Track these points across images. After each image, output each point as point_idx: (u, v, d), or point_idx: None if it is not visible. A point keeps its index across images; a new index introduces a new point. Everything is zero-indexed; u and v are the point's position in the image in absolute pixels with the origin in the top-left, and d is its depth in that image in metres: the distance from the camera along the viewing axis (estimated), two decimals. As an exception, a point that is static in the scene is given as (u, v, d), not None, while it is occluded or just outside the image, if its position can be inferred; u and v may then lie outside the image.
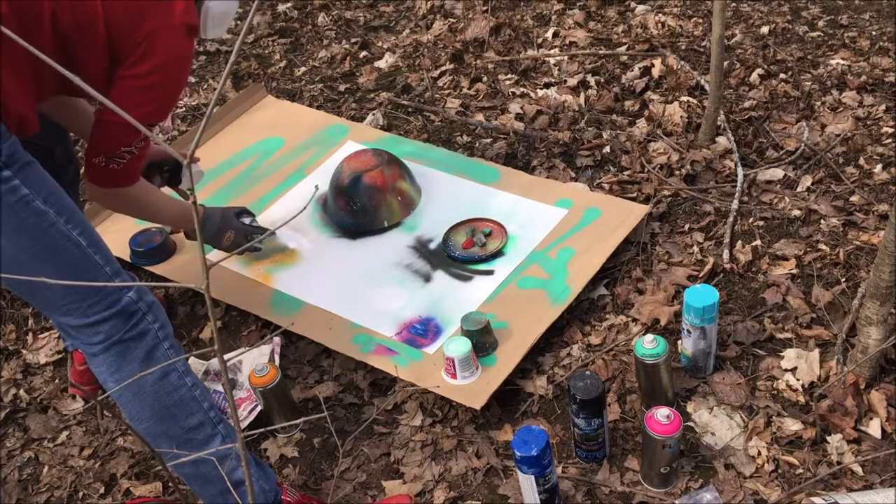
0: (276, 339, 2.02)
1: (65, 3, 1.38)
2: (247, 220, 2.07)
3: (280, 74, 3.20)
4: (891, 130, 2.39)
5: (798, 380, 1.75)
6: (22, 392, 2.07)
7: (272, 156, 2.54)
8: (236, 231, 2.02)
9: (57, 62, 0.63)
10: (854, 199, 2.18)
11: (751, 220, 2.17)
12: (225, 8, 1.65)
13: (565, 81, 2.82)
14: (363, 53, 3.25)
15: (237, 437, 0.78)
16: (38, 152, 1.35)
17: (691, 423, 1.72)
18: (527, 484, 1.53)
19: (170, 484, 1.80)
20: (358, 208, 2.22)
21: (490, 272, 2.07)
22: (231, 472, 1.49)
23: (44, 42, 1.37)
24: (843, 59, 2.73)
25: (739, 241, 2.11)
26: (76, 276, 1.34)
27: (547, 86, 2.83)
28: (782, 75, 2.70)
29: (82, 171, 2.74)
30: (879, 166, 2.26)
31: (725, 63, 2.65)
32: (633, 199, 2.24)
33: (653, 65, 2.80)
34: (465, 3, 3.40)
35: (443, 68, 3.01)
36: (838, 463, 1.60)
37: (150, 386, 1.42)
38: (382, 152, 2.30)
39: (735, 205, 2.19)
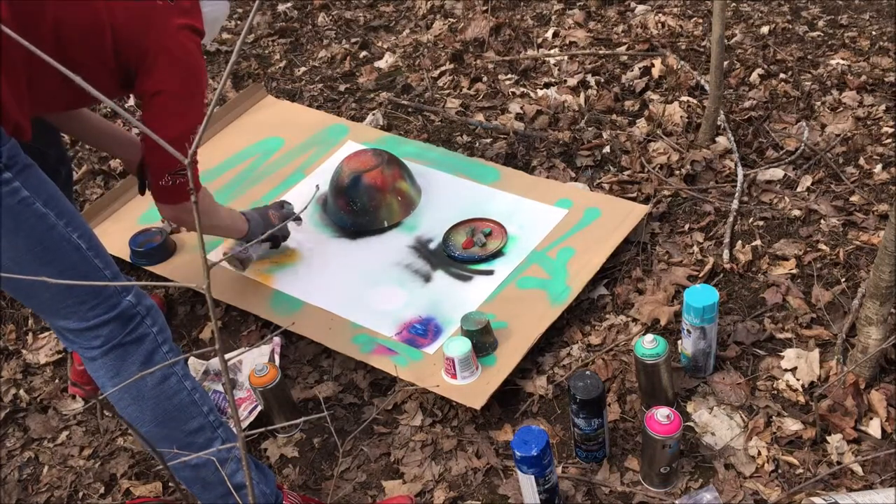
0: (276, 339, 2.02)
1: (68, 7, 1.37)
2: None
3: (280, 74, 3.20)
4: (891, 130, 2.39)
5: (798, 380, 1.75)
6: (22, 392, 2.07)
7: (272, 156, 2.54)
8: (273, 208, 2.08)
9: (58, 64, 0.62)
10: (854, 199, 2.18)
11: (751, 220, 2.17)
12: (216, 13, 1.66)
13: (565, 81, 2.82)
14: (363, 53, 3.25)
15: (238, 438, 0.78)
16: (31, 155, 1.34)
17: (691, 423, 1.72)
18: (527, 484, 1.53)
19: (170, 484, 1.80)
20: (358, 208, 2.22)
21: (490, 272, 2.07)
22: (231, 475, 1.48)
23: (44, 48, 1.35)
24: (843, 59, 2.73)
25: (739, 241, 2.11)
26: (76, 279, 1.33)
27: (547, 86, 2.83)
28: (782, 75, 2.70)
29: (82, 171, 2.76)
30: (879, 166, 2.26)
31: (725, 63, 2.65)
32: (633, 199, 2.24)
33: (653, 65, 2.80)
34: (465, 3, 3.40)
35: (443, 68, 3.01)
36: (838, 463, 1.60)
37: (150, 390, 1.41)
38: (382, 152, 2.30)
39: (735, 205, 2.19)
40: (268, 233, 0.94)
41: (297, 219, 2.17)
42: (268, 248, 2.17)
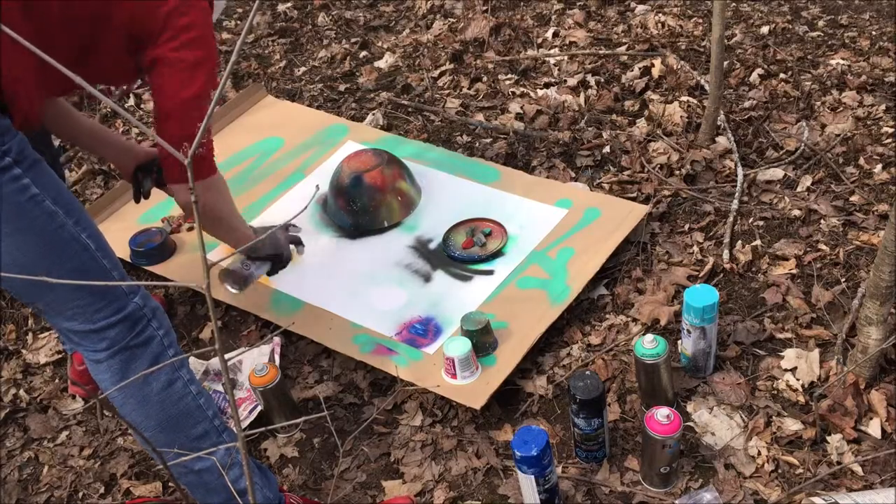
0: (276, 339, 2.02)
1: None
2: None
3: (280, 74, 3.20)
4: (891, 130, 2.39)
5: (798, 380, 1.75)
6: (22, 392, 2.07)
7: (272, 156, 2.54)
8: (280, 230, 1.99)
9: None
10: (854, 199, 2.18)
11: (751, 220, 2.17)
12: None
13: (565, 81, 2.82)
14: (363, 53, 3.25)
15: (238, 437, 0.78)
16: None
17: (691, 423, 1.72)
18: (527, 484, 1.53)
19: (170, 484, 1.80)
20: (358, 208, 2.22)
21: (490, 272, 2.07)
22: (235, 480, 1.47)
23: (53, 27, 1.29)
24: (843, 59, 2.73)
25: (739, 241, 2.11)
26: (83, 279, 1.30)
27: (547, 86, 2.83)
28: (782, 75, 2.70)
29: (82, 171, 2.76)
30: (879, 166, 2.26)
31: (725, 63, 2.65)
32: (633, 199, 2.24)
33: (653, 65, 2.80)
34: (465, 3, 3.40)
35: (443, 68, 3.01)
36: (838, 463, 1.60)
37: (156, 395, 1.39)
38: (382, 152, 2.30)
39: (735, 205, 2.19)
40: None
41: (300, 244, 2.10)
42: (266, 270, 2.10)
